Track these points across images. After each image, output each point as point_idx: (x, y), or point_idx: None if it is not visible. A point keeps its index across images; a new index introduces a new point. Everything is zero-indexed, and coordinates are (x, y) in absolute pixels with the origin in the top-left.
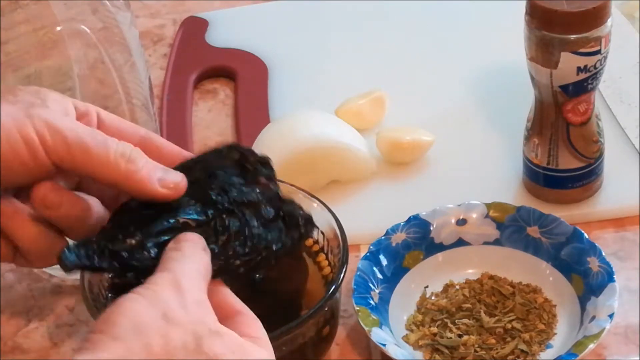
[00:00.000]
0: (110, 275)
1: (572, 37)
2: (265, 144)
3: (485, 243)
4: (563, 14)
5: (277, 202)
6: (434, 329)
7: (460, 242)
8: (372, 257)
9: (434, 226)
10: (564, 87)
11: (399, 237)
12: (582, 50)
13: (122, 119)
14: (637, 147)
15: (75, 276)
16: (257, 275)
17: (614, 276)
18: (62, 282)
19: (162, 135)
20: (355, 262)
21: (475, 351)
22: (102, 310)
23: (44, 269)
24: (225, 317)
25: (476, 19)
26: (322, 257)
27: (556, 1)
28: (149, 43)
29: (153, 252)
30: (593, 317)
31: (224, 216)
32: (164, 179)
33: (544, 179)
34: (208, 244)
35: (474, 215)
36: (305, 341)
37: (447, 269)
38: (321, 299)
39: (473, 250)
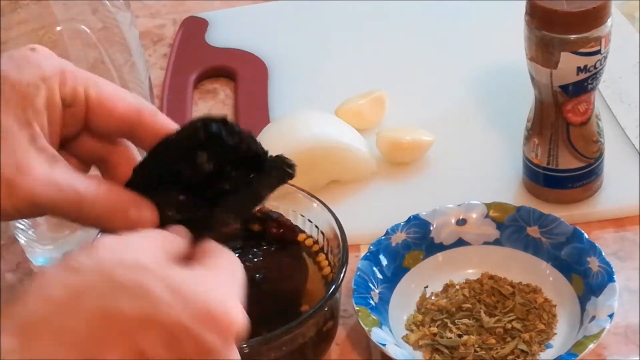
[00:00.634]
0: None
1: (572, 37)
2: (265, 144)
3: (485, 243)
4: (563, 14)
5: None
6: (434, 329)
7: (460, 242)
8: (372, 257)
9: (434, 226)
10: (564, 87)
11: (399, 237)
12: (582, 50)
13: (116, 92)
14: (637, 147)
15: None
16: (257, 275)
17: (614, 276)
18: None
19: None
20: (355, 262)
21: (475, 351)
22: None
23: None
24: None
25: (476, 19)
26: (322, 257)
27: (556, 1)
28: (149, 43)
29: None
30: (593, 317)
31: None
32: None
33: (544, 179)
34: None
35: (474, 215)
36: (305, 341)
37: (447, 269)
38: (321, 299)
39: (473, 250)
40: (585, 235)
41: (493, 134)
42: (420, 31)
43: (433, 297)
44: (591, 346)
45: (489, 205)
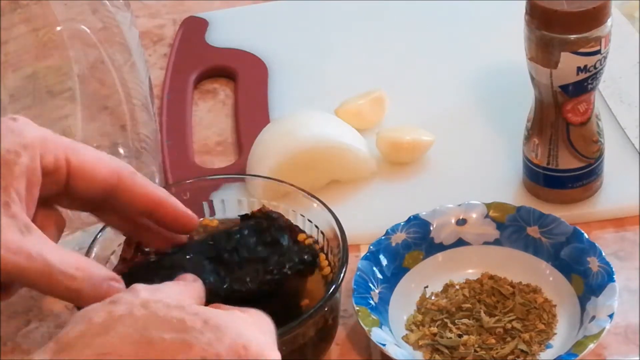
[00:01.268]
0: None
1: (572, 37)
2: (265, 144)
3: (485, 243)
4: (563, 14)
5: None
6: (434, 329)
7: (460, 242)
8: (372, 257)
9: (434, 226)
10: (564, 87)
11: (399, 237)
12: (582, 50)
13: (96, 158)
14: (637, 147)
15: None
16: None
17: (614, 276)
18: None
19: (161, 135)
20: (355, 262)
21: (475, 351)
22: None
23: None
24: None
25: (476, 19)
26: (322, 257)
27: (556, 1)
28: (149, 43)
29: None
30: (593, 317)
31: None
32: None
33: (544, 179)
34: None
35: (474, 215)
36: (305, 341)
37: (447, 269)
38: (321, 299)
39: (473, 250)
40: (585, 235)
41: (493, 134)
42: (420, 31)
43: (433, 297)
44: (591, 346)
45: (489, 205)
